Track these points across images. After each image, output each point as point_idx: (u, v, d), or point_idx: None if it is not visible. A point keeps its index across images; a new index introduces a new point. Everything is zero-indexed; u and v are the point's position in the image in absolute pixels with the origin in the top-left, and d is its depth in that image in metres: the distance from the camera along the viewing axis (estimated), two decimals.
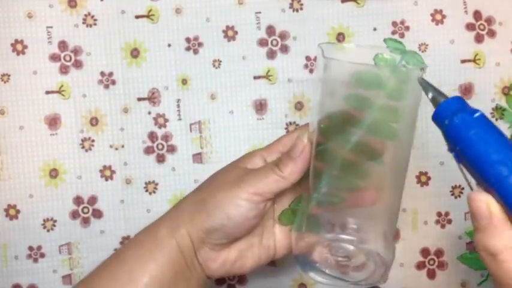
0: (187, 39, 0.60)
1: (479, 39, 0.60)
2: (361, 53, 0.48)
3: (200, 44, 0.60)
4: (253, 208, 0.49)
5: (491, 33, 0.60)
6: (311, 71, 0.60)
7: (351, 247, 0.48)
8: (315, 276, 0.49)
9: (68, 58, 0.60)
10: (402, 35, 0.60)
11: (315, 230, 0.48)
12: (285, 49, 0.60)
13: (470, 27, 0.60)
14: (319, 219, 0.48)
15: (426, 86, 0.44)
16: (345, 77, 0.47)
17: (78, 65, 0.60)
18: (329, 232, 0.48)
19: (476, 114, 0.40)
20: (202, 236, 0.50)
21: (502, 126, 0.60)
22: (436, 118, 0.42)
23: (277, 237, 0.53)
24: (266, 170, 0.50)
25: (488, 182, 0.38)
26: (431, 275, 0.61)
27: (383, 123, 0.47)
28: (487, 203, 0.39)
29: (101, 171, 0.60)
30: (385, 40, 0.48)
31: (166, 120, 0.60)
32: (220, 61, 0.60)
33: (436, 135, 0.61)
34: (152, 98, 0.60)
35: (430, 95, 0.43)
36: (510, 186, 0.37)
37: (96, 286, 0.51)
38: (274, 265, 0.61)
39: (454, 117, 0.40)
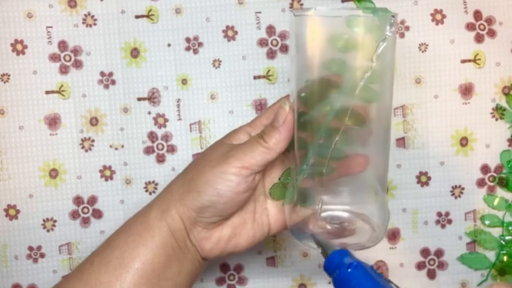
0: (187, 39, 0.60)
1: (479, 39, 0.60)
2: (333, 16, 0.48)
3: (200, 44, 0.60)
4: (242, 182, 0.49)
5: (492, 33, 0.60)
6: None
7: (345, 214, 0.48)
8: (312, 245, 0.49)
9: (67, 58, 0.60)
10: (402, 35, 0.60)
11: (307, 202, 0.48)
12: (285, 49, 0.60)
13: (470, 27, 0.60)
14: (310, 190, 0.48)
15: (316, 241, 0.48)
16: (320, 41, 0.47)
17: (78, 65, 0.60)
18: (321, 202, 0.48)
19: (349, 270, 0.45)
20: (193, 216, 0.50)
21: (503, 126, 0.60)
22: (326, 271, 0.47)
23: (271, 212, 0.53)
24: (251, 143, 0.50)
25: None
26: (431, 275, 0.61)
27: (363, 86, 0.46)
28: None
29: (100, 171, 0.60)
30: (355, 0, 0.48)
31: (166, 120, 0.60)
32: (220, 61, 0.60)
33: (436, 135, 0.61)
34: (152, 98, 0.60)
35: (320, 250, 0.47)
36: None
37: (89, 272, 0.51)
38: (274, 265, 0.61)
39: (334, 273, 0.46)
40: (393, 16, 0.45)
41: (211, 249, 0.52)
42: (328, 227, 0.48)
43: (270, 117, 0.52)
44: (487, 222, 0.61)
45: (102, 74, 0.60)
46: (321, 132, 0.47)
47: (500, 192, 0.61)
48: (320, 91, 0.47)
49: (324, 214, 0.48)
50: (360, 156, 0.48)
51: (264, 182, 0.53)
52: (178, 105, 0.60)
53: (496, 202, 0.61)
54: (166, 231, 0.51)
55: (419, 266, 0.61)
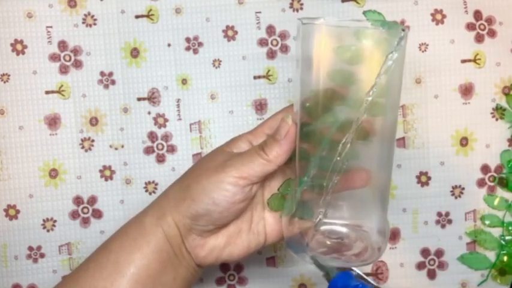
0: (187, 39, 0.60)
1: (479, 39, 0.60)
2: (342, 26, 0.47)
3: (200, 44, 0.60)
4: (238, 192, 0.49)
5: (492, 33, 0.60)
6: None
7: (344, 229, 0.47)
8: (308, 259, 0.48)
9: (67, 58, 0.60)
10: None
11: (306, 214, 0.48)
12: (285, 49, 0.60)
13: (470, 27, 0.60)
14: (309, 203, 0.48)
15: (318, 265, 0.48)
16: (327, 51, 0.45)
17: (77, 64, 0.60)
18: (322, 214, 0.47)
19: None
20: (188, 223, 0.50)
21: (503, 126, 0.60)
22: None
23: (268, 222, 0.52)
24: (251, 153, 0.50)
25: None
26: (431, 275, 0.61)
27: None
28: None
29: (100, 171, 0.60)
30: (364, 13, 0.48)
31: (166, 120, 0.60)
32: (220, 61, 0.60)
33: (436, 135, 0.61)
34: (152, 98, 0.60)
35: (322, 273, 0.47)
36: None
37: (84, 277, 0.51)
38: (274, 265, 0.61)
39: None
40: (403, 30, 0.44)
41: (205, 256, 0.51)
42: (327, 241, 0.47)
43: (272, 126, 0.52)
44: (487, 222, 0.61)
45: (102, 74, 0.60)
46: (324, 144, 0.46)
47: (501, 192, 0.61)
48: (325, 102, 0.46)
49: (322, 228, 0.47)
50: (363, 171, 0.47)
51: (263, 191, 0.53)
52: (178, 105, 0.60)
53: (496, 202, 0.61)
54: (161, 237, 0.50)
55: (419, 266, 0.61)
